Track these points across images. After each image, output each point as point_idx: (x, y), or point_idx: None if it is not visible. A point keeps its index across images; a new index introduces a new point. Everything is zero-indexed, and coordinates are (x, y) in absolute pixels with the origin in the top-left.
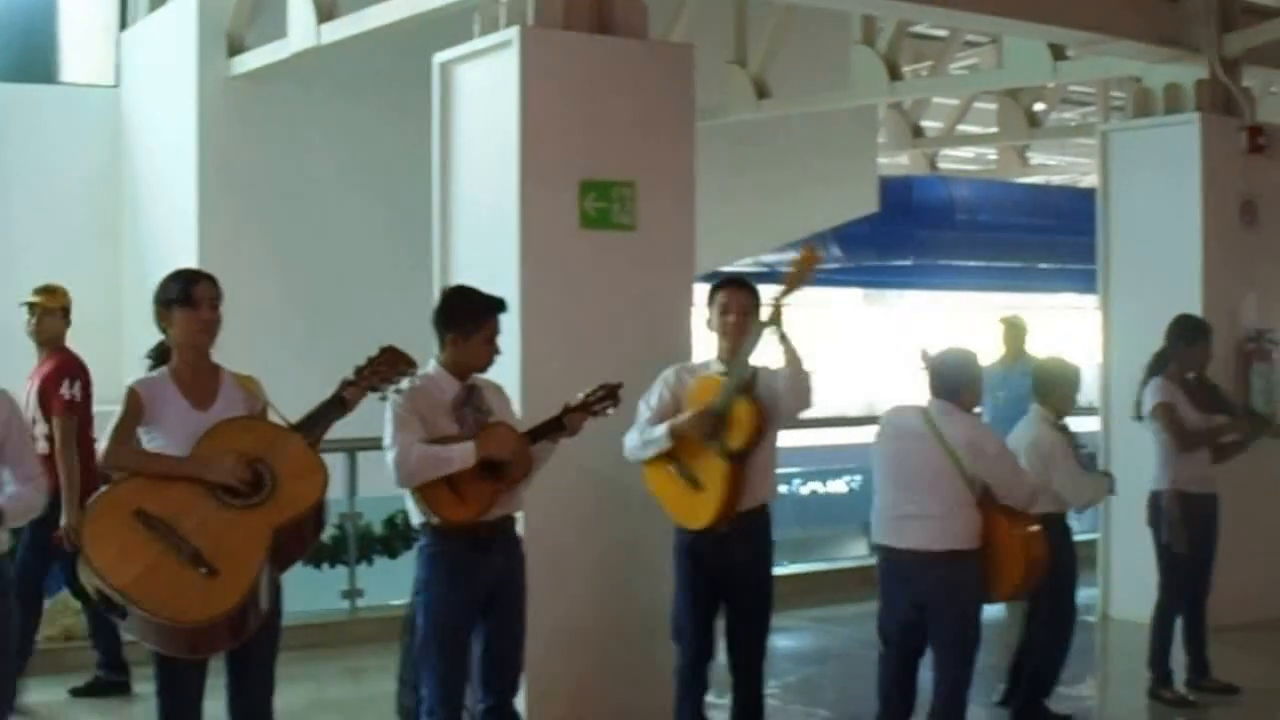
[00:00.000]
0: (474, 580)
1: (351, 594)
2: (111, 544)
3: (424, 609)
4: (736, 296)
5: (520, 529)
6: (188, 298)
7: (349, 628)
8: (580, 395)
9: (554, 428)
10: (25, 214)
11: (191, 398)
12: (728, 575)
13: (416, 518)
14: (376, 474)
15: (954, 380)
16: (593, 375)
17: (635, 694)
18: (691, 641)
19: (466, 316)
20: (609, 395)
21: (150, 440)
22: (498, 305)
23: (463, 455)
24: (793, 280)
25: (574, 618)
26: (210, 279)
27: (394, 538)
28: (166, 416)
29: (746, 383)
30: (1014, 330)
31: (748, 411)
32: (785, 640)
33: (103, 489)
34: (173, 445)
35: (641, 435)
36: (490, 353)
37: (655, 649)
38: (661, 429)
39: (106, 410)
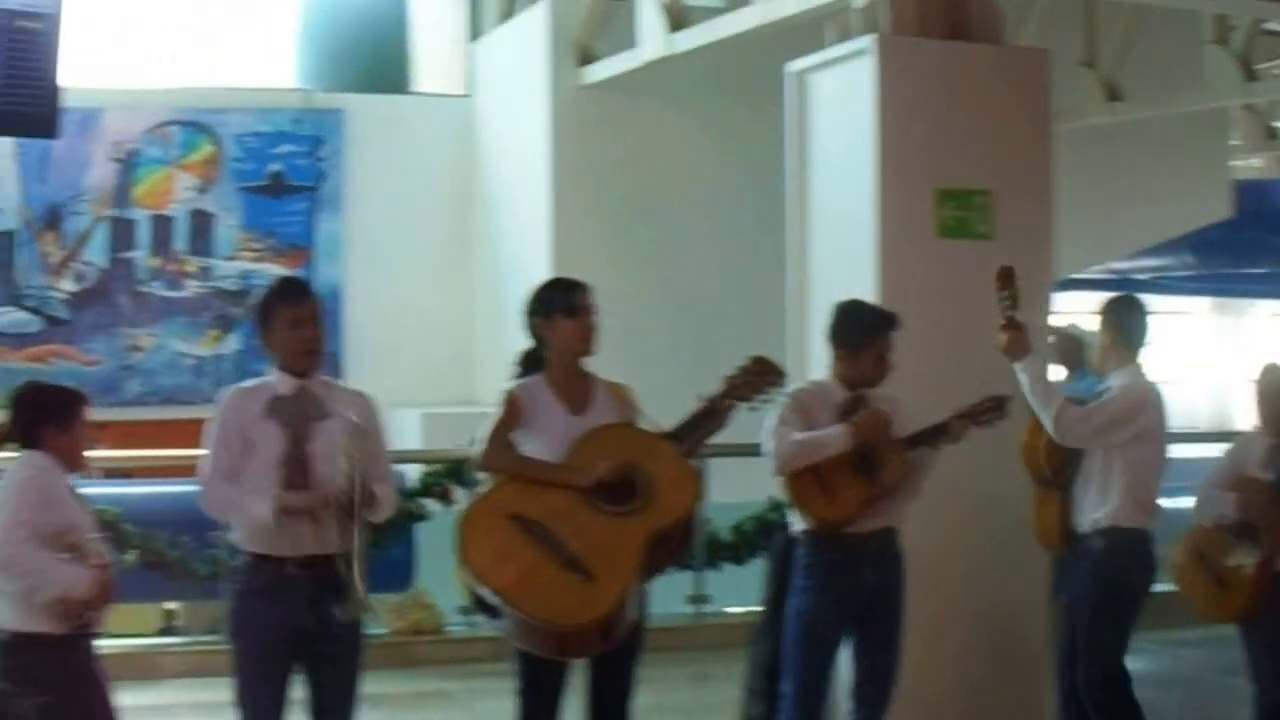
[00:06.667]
0: (846, 591)
1: (697, 599)
2: (488, 546)
3: (794, 615)
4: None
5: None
6: (572, 307)
7: (694, 633)
8: (968, 404)
9: (936, 434)
10: (381, 220)
11: (568, 403)
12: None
13: (796, 525)
14: (726, 480)
15: None
16: (949, 383)
17: (1007, 709)
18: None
19: (854, 332)
20: (997, 407)
21: (526, 443)
22: (889, 322)
23: (838, 436)
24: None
25: (944, 628)
26: (588, 287)
27: (741, 545)
28: (544, 420)
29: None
30: None
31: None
32: None
33: (477, 492)
34: (549, 449)
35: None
36: (880, 370)
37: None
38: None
39: (458, 412)
